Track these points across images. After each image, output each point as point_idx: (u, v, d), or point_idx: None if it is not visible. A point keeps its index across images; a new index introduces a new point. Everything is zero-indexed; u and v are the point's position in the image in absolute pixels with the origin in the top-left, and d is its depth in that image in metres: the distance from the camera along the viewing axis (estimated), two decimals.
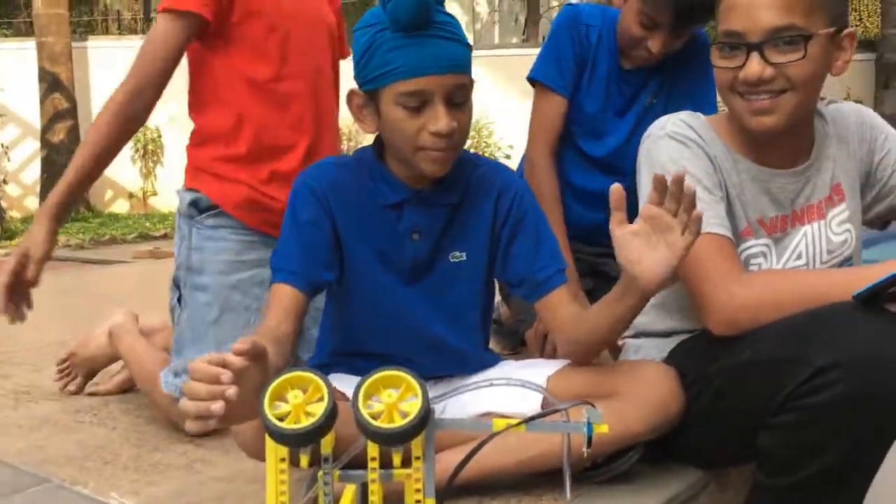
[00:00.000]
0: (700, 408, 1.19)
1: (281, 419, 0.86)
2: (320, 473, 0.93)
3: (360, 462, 0.96)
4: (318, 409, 0.86)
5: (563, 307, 1.27)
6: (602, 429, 0.90)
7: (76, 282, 4.17)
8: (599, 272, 1.93)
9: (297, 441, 0.85)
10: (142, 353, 1.74)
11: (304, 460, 0.89)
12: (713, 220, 1.20)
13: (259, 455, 1.03)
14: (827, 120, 1.34)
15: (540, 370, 1.31)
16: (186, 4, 1.56)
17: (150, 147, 8.68)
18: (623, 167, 1.88)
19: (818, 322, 1.07)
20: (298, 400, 0.86)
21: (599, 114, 1.86)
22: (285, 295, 1.22)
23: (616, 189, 1.04)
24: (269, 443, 0.89)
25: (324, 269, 1.26)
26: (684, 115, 1.31)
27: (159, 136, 8.59)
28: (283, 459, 0.90)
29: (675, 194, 1.01)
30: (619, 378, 1.21)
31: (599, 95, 1.85)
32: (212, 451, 1.50)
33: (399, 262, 1.30)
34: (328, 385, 0.87)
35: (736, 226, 1.26)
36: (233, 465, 1.41)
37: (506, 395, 1.21)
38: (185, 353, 1.58)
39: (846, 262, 1.34)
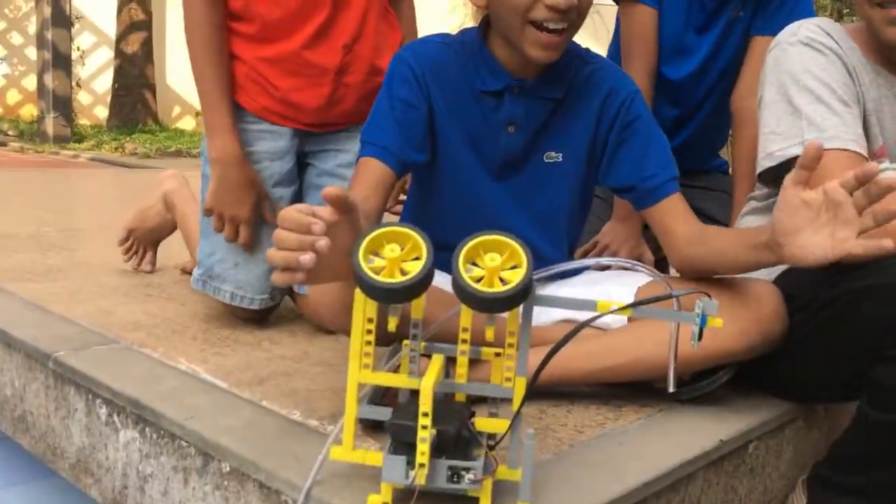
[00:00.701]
0: (806, 334, 1.11)
1: (376, 273, 0.80)
2: (406, 341, 0.88)
3: (448, 338, 0.90)
4: (415, 268, 0.80)
5: (675, 219, 1.18)
6: (716, 322, 0.82)
7: (141, 182, 4.21)
8: None
9: (389, 296, 0.80)
10: (193, 228, 1.71)
11: (392, 322, 0.84)
12: (847, 135, 1.10)
13: (340, 323, 0.98)
14: None
15: (629, 279, 1.24)
16: None
17: None
18: (696, 93, 1.76)
19: None
20: (395, 254, 0.81)
21: (681, 32, 1.73)
22: (374, 170, 1.17)
23: (812, 145, 0.91)
24: (359, 299, 0.84)
25: (415, 149, 1.20)
26: (820, 20, 1.20)
27: None
28: (370, 320, 0.85)
29: (870, 191, 0.89)
30: (718, 291, 1.13)
31: (681, 11, 1.71)
32: (280, 332, 1.48)
33: (491, 154, 1.23)
34: (427, 243, 0.81)
35: (870, 146, 1.15)
36: (299, 347, 1.39)
37: (600, 295, 1.15)
38: (201, 247, 1.54)
39: None
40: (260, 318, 1.52)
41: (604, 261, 0.87)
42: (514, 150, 1.23)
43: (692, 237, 1.16)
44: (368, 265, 0.81)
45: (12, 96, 10.01)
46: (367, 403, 0.91)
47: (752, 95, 1.68)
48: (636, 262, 0.87)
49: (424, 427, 0.79)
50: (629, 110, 1.23)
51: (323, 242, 0.78)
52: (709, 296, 0.84)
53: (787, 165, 1.12)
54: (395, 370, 0.91)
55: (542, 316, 1.18)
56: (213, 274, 1.50)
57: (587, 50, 1.27)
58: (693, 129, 1.82)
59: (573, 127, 1.24)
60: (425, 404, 0.79)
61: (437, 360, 0.88)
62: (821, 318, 1.09)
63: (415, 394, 0.84)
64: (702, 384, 1.18)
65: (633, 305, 0.83)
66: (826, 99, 1.11)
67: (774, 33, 1.69)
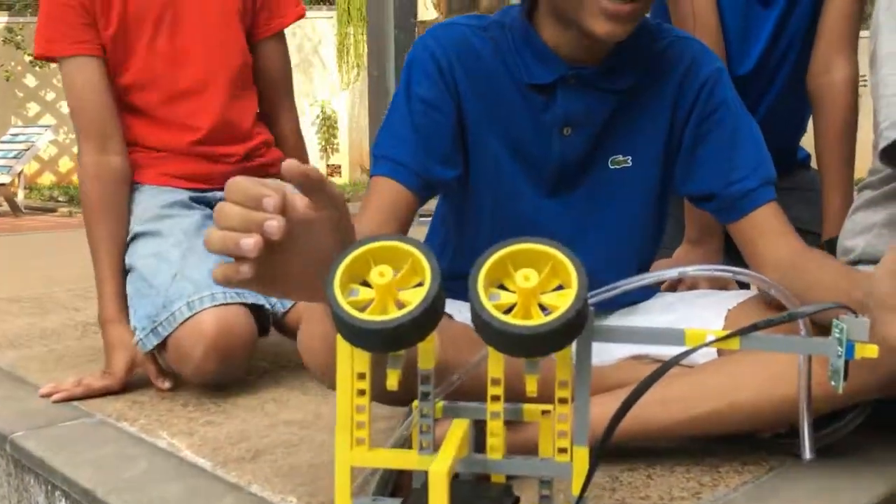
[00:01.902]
0: None
1: (361, 309, 0.56)
2: (415, 402, 0.62)
3: (474, 392, 0.65)
4: (416, 297, 0.55)
5: (768, 237, 0.92)
6: (869, 351, 0.55)
7: None
8: None
9: (381, 341, 0.55)
10: None
11: (392, 377, 0.59)
12: None
13: (330, 374, 0.74)
14: None
15: (715, 300, 0.97)
16: None
17: None
18: (762, 75, 1.45)
19: None
20: (386, 280, 0.56)
21: (743, 5, 1.42)
22: (388, 191, 0.92)
23: None
24: (343, 348, 0.60)
25: (441, 163, 0.95)
26: None
27: None
28: (361, 376, 0.60)
29: None
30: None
31: None
32: (291, 389, 1.23)
33: (541, 163, 0.98)
34: (432, 260, 0.56)
35: None
36: (310, 407, 1.14)
37: (681, 322, 0.88)
38: (134, 312, 1.27)
39: None
40: (243, 345, 1.17)
41: (690, 270, 0.59)
42: (571, 158, 0.97)
43: (786, 267, 0.89)
44: (348, 297, 0.57)
45: (64, 164, 10.18)
46: (371, 495, 0.65)
47: (832, 69, 1.40)
48: (740, 270, 0.60)
49: None
50: (712, 95, 0.97)
51: (275, 223, 0.55)
52: (852, 311, 0.56)
53: None
54: (405, 444, 0.66)
55: (602, 353, 0.92)
56: (158, 309, 1.19)
57: (658, 23, 1.00)
58: (760, 118, 1.51)
59: (645, 121, 0.98)
60: (437, 497, 0.53)
61: (459, 428, 0.62)
62: None
63: None
64: (824, 432, 0.89)
65: (743, 332, 0.56)
66: None
67: None
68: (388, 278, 0.56)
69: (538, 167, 0.98)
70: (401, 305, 0.56)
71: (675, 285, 1.32)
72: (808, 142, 1.59)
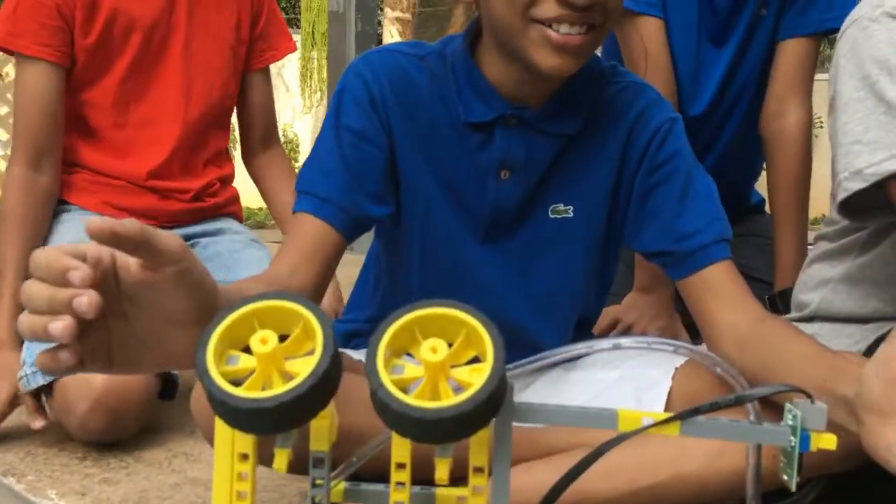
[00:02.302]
0: None
1: (238, 383, 0.47)
2: (309, 490, 0.53)
3: (380, 472, 0.56)
4: (306, 368, 0.47)
5: (721, 299, 0.84)
6: (826, 442, 0.48)
7: None
8: None
9: (259, 422, 0.46)
10: None
11: (280, 458, 0.50)
12: None
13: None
14: None
15: (661, 358, 0.90)
16: None
17: None
18: (714, 118, 1.41)
19: None
20: (269, 347, 0.47)
21: (694, 45, 1.37)
22: (312, 231, 0.83)
23: None
24: (219, 426, 0.51)
25: (372, 200, 0.87)
26: None
27: None
28: (244, 457, 0.51)
29: None
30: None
31: (691, 18, 1.35)
32: (206, 442, 1.12)
33: (476, 207, 0.90)
34: (325, 324, 0.48)
35: None
36: None
37: (614, 395, 0.81)
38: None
39: None
40: (135, 405, 1.05)
41: (625, 342, 0.51)
42: (508, 203, 0.90)
43: (742, 337, 0.81)
44: (225, 367, 0.48)
45: None
46: None
47: (786, 114, 1.37)
48: (678, 343, 0.52)
49: None
50: (663, 145, 0.89)
51: (86, 300, 0.47)
52: (807, 395, 0.49)
53: (878, 191, 0.78)
54: None
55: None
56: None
57: (612, 65, 0.93)
58: (713, 162, 1.45)
59: (589, 170, 0.90)
60: None
61: None
62: None
63: None
64: None
65: (684, 416, 0.48)
66: None
67: (809, 33, 1.37)
68: (272, 345, 0.47)
69: (472, 211, 0.90)
70: (289, 378, 0.48)
71: (624, 333, 1.26)
72: (761, 185, 1.55)
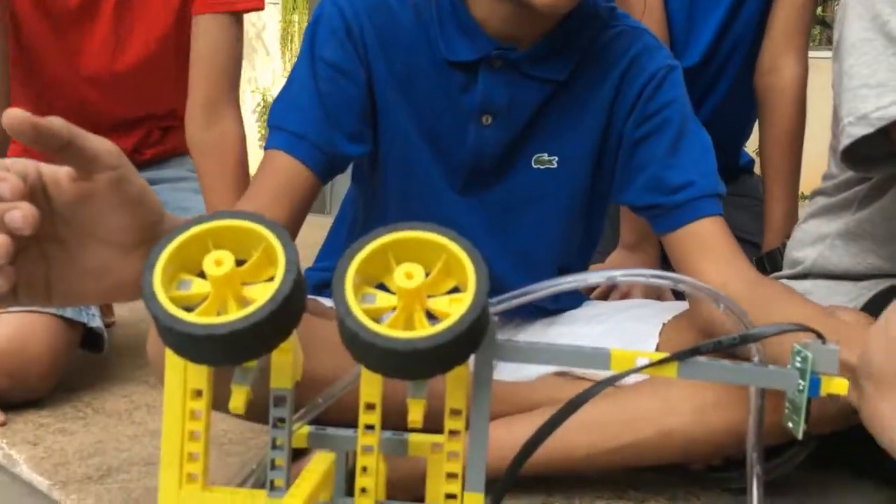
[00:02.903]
0: None
1: (191, 310, 0.42)
2: (270, 430, 0.48)
3: (346, 417, 0.52)
4: (266, 293, 0.42)
5: (708, 255, 0.79)
6: (837, 386, 0.44)
7: None
8: None
9: (214, 350, 0.41)
10: None
11: (238, 396, 0.45)
12: None
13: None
14: None
15: (650, 311, 0.86)
16: None
17: None
18: (706, 72, 1.37)
19: None
20: (224, 270, 0.42)
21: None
22: (285, 169, 0.78)
23: None
24: (170, 358, 0.46)
25: (349, 138, 0.81)
26: None
27: None
28: (198, 393, 0.47)
29: None
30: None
31: None
32: None
33: (455, 153, 0.85)
34: (288, 246, 0.43)
35: None
36: None
37: (609, 336, 0.77)
38: None
39: None
40: (39, 363, 0.97)
41: (619, 275, 0.46)
42: (489, 151, 0.84)
43: (730, 289, 0.75)
44: (176, 291, 0.43)
45: None
46: None
47: (782, 68, 1.32)
48: (680, 276, 0.48)
49: None
50: (657, 93, 0.83)
51: (19, 213, 0.43)
52: (819, 335, 0.45)
53: (884, 138, 0.74)
54: (258, 481, 0.52)
55: (518, 368, 0.80)
56: None
57: (611, 6, 0.86)
58: (703, 118, 1.41)
59: (577, 119, 0.84)
60: None
61: (321, 463, 0.48)
62: None
63: None
64: (766, 467, 0.78)
65: (682, 356, 0.44)
66: None
67: None
68: (228, 268, 0.42)
69: (452, 157, 0.85)
70: (247, 304, 0.43)
71: (606, 294, 1.21)
72: (752, 146, 1.50)
